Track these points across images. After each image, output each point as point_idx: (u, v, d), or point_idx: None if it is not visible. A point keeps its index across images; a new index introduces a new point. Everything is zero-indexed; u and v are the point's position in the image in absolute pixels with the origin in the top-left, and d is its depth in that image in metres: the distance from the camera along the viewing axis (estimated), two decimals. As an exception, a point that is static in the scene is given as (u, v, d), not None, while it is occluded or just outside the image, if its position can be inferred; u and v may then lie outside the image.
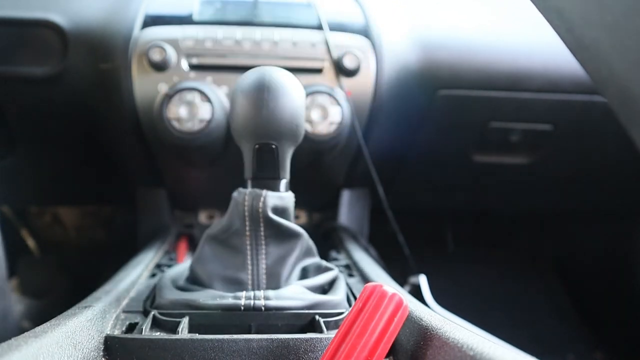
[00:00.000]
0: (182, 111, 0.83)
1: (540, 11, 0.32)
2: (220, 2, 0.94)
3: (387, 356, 0.42)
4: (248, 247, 0.54)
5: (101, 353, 0.43)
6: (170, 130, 0.84)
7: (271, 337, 0.43)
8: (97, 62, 0.89)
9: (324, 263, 0.59)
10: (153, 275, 0.68)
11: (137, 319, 0.50)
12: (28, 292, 1.36)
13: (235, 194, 0.55)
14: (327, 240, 0.98)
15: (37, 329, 0.39)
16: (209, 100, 0.83)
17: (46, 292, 1.39)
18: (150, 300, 0.55)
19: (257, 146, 0.54)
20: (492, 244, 1.66)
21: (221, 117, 0.85)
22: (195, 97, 0.83)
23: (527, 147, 1.08)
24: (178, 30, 0.89)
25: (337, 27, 0.92)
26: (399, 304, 0.39)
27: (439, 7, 1.03)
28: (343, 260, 0.78)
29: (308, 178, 1.02)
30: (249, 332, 0.50)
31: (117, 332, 0.47)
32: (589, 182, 1.21)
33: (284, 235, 0.55)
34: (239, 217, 0.54)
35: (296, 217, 1.08)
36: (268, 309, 0.50)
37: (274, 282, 0.55)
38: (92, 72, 0.89)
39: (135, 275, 0.63)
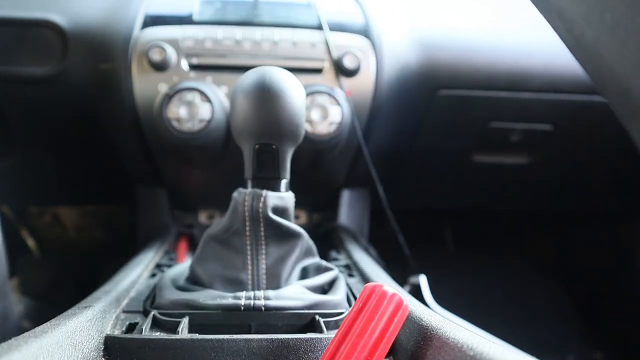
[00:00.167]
0: (182, 111, 0.83)
1: (540, 11, 0.32)
2: (220, 2, 0.94)
3: (387, 356, 0.42)
4: (248, 247, 0.54)
5: (101, 353, 0.43)
6: (170, 130, 0.84)
7: (271, 337, 0.43)
8: (97, 62, 0.89)
9: (324, 263, 0.59)
10: (153, 275, 0.68)
11: (137, 319, 0.50)
12: (28, 292, 1.36)
13: (235, 194, 0.55)
14: (327, 240, 0.98)
15: (37, 329, 0.39)
16: (209, 100, 0.83)
17: (46, 292, 1.39)
18: (150, 300, 0.55)
19: (257, 146, 0.54)
20: (492, 244, 1.66)
21: (221, 117, 0.85)
22: (195, 97, 0.83)
23: (527, 147, 1.08)
24: (178, 30, 0.89)
25: (337, 27, 0.92)
26: (399, 304, 0.39)
27: (439, 7, 1.03)
28: (343, 260, 0.78)
29: (308, 178, 1.02)
30: (249, 332, 0.50)
31: (117, 332, 0.47)
32: (589, 182, 1.21)
33: (284, 236, 0.55)
34: (239, 217, 0.54)
35: (296, 217, 1.08)
36: (268, 309, 0.50)
37: (274, 282, 0.55)
38: (92, 72, 0.89)
39: (135, 275, 0.63)
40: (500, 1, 1.05)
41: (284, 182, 0.57)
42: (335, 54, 0.89)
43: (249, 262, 0.55)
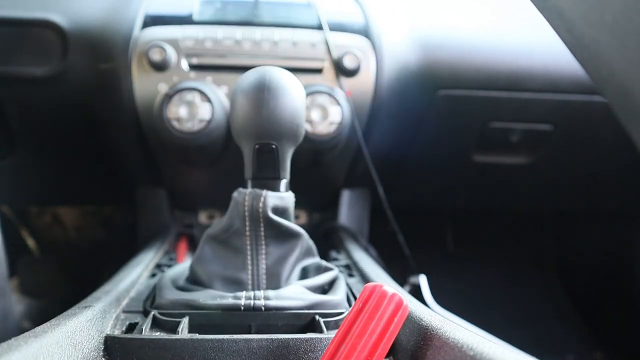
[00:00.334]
0: (182, 111, 0.83)
1: (540, 11, 0.32)
2: (220, 2, 0.94)
3: (387, 356, 0.42)
4: (248, 247, 0.54)
5: (101, 353, 0.43)
6: (170, 130, 0.84)
7: (271, 337, 0.43)
8: (97, 62, 0.89)
9: (324, 263, 0.59)
10: (153, 275, 0.68)
11: (137, 319, 0.50)
12: (28, 292, 1.36)
13: (235, 194, 0.55)
14: (327, 240, 0.98)
15: (37, 329, 0.39)
16: (209, 100, 0.83)
17: (46, 292, 1.39)
18: (150, 300, 0.55)
19: (257, 146, 0.54)
20: (492, 244, 1.66)
21: (221, 117, 0.85)
22: (195, 97, 0.83)
23: (527, 147, 1.08)
24: (178, 30, 0.89)
25: (337, 27, 0.92)
26: (399, 304, 0.39)
27: (439, 7, 1.03)
28: (343, 260, 0.78)
29: (308, 178, 1.02)
30: (249, 332, 0.50)
31: (117, 332, 0.47)
32: (589, 182, 1.21)
33: (284, 236, 0.56)
34: (239, 217, 0.54)
35: (296, 217, 1.08)
36: (268, 309, 0.50)
37: (274, 282, 0.55)
38: (92, 72, 0.89)
39: (135, 275, 0.63)
40: (500, 1, 1.05)
41: (284, 182, 0.57)
42: (335, 54, 0.89)
43: (249, 262, 0.55)
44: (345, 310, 0.52)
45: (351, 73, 0.89)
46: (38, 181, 1.16)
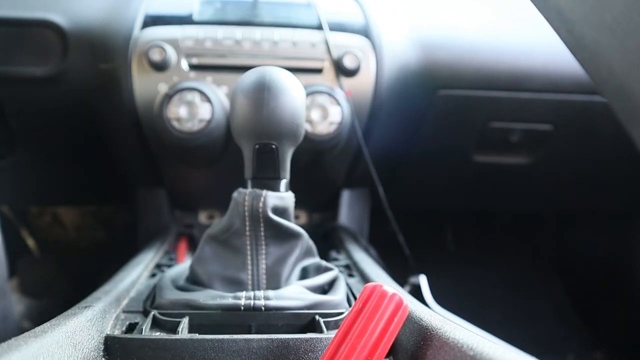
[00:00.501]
0: (182, 111, 0.83)
1: (540, 11, 0.32)
2: (220, 2, 0.94)
3: (387, 356, 0.42)
4: (248, 247, 0.54)
5: (101, 353, 0.43)
6: (170, 130, 0.84)
7: (271, 337, 0.43)
8: (97, 62, 0.89)
9: (324, 263, 0.59)
10: (153, 275, 0.68)
11: (137, 319, 0.50)
12: (28, 292, 1.36)
13: (235, 194, 0.55)
14: (327, 240, 0.98)
15: (37, 329, 0.39)
16: (209, 100, 0.83)
17: (46, 292, 1.39)
18: (150, 300, 0.55)
19: (257, 146, 0.54)
20: (492, 244, 1.66)
21: (221, 117, 0.85)
22: (195, 97, 0.83)
23: (527, 147, 1.08)
24: (178, 30, 0.89)
25: (337, 27, 0.92)
26: (399, 304, 0.39)
27: (439, 7, 1.03)
28: (343, 260, 0.78)
29: (308, 178, 1.02)
30: (249, 332, 0.50)
31: (117, 332, 0.47)
32: (589, 182, 1.21)
33: (284, 236, 0.56)
34: (239, 217, 0.54)
35: (296, 217, 1.08)
36: (268, 309, 0.50)
37: (274, 282, 0.55)
38: (92, 72, 0.89)
39: (135, 275, 0.63)
40: (500, 1, 1.05)
41: (284, 182, 0.57)
42: (335, 54, 0.89)
43: (249, 262, 0.55)
44: (345, 310, 0.52)
45: (351, 73, 0.89)
46: (38, 181, 1.16)
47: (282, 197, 0.55)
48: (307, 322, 0.50)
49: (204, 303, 0.50)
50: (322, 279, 0.57)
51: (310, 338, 0.43)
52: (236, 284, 0.54)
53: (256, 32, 0.89)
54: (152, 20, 0.90)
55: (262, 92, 0.52)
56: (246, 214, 0.54)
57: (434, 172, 1.17)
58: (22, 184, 1.14)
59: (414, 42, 0.96)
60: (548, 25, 0.32)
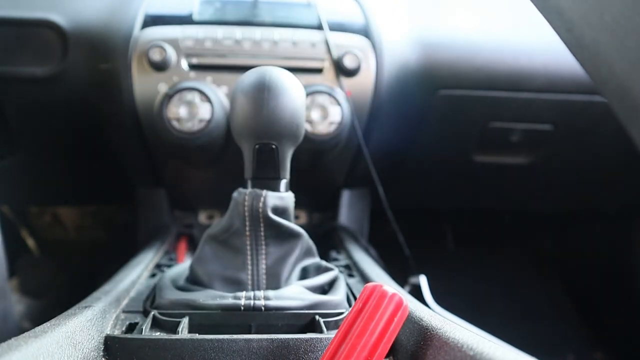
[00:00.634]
0: (182, 111, 0.83)
1: (540, 11, 0.32)
2: (220, 2, 0.94)
3: (387, 356, 0.42)
4: (248, 247, 0.54)
5: (101, 353, 0.43)
6: (170, 130, 0.84)
7: (271, 337, 0.43)
8: (97, 62, 0.89)
9: (324, 263, 0.59)
10: (153, 275, 0.68)
11: (137, 319, 0.50)
12: (28, 292, 1.36)
13: (235, 194, 0.55)
14: (327, 240, 0.98)
15: (37, 329, 0.39)
16: (209, 100, 0.83)
17: (46, 292, 1.39)
18: (150, 300, 0.55)
19: (257, 146, 0.54)
20: (492, 244, 1.66)
21: (221, 117, 0.85)
22: (195, 97, 0.83)
23: (527, 147, 1.08)
24: (178, 30, 0.89)
25: (337, 27, 0.92)
26: (399, 304, 0.39)
27: (439, 7, 1.03)
28: (343, 260, 0.78)
29: (308, 178, 1.02)
30: (249, 332, 0.50)
31: (117, 332, 0.47)
32: (589, 182, 1.21)
33: (284, 236, 0.56)
34: (239, 217, 0.54)
35: (296, 217, 1.08)
36: (268, 309, 0.50)
37: (274, 282, 0.55)
38: (92, 72, 0.89)
39: (135, 275, 0.63)
40: (500, 1, 1.05)
41: (284, 182, 0.57)
42: (335, 54, 0.89)
43: (249, 262, 0.55)
44: (345, 310, 0.52)
45: (351, 73, 0.89)
46: (38, 181, 1.16)
47: (282, 197, 0.55)
48: (307, 322, 0.50)
49: (204, 303, 0.50)
50: (322, 279, 0.57)
51: (310, 338, 0.43)
52: (236, 284, 0.54)
53: (256, 32, 0.89)
54: (152, 20, 0.90)
55: (262, 92, 0.52)
56: (246, 214, 0.54)
57: (434, 172, 1.17)
58: (22, 184, 1.14)
59: (414, 42, 0.96)
60: (548, 25, 0.32)
